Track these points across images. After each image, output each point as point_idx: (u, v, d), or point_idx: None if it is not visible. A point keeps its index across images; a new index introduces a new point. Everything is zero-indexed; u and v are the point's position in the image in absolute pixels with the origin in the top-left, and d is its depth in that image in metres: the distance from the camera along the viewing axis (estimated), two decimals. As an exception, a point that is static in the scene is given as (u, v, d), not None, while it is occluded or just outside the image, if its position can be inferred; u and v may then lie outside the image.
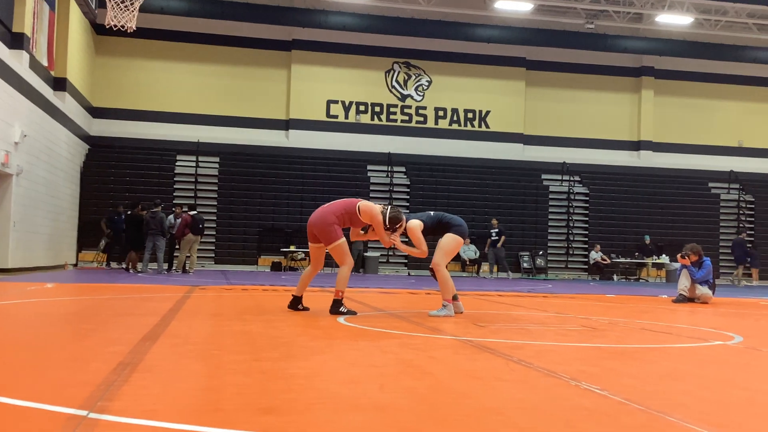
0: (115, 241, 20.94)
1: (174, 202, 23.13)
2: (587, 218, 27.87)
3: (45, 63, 19.01)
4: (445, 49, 27.96)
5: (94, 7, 22.82)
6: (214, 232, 24.81)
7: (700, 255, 12.13)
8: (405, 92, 28.25)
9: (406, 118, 28.21)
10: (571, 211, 27.76)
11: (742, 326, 8.09)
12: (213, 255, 24.65)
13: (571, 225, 27.62)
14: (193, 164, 25.79)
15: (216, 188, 25.68)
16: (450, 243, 8.16)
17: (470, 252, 25.23)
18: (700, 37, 28.04)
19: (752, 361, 5.35)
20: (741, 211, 28.89)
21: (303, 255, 23.95)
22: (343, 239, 7.73)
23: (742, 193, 29.17)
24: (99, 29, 24.46)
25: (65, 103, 21.09)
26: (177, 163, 25.83)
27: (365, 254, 23.93)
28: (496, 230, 24.14)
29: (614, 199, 28.12)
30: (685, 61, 29.23)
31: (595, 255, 25.94)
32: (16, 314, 7.44)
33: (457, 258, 24.29)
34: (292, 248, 23.99)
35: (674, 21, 27.06)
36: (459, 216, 8.51)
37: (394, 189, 26.75)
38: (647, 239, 26.18)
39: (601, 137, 29.45)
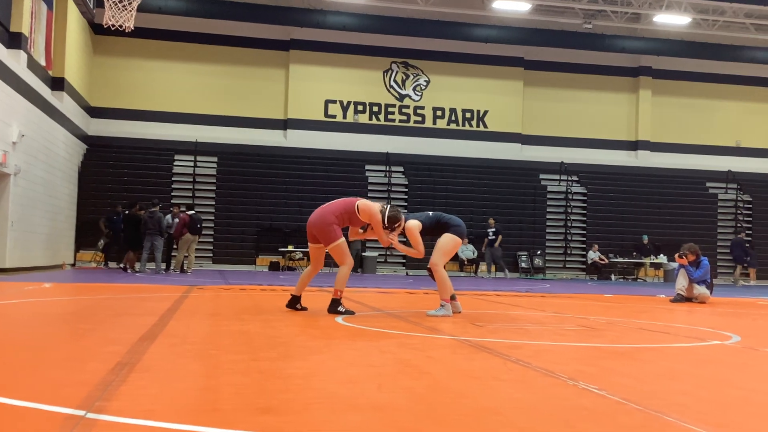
0: (114, 241, 20.92)
1: (172, 201, 23.11)
2: (585, 218, 27.88)
3: (43, 63, 18.99)
4: (443, 49, 27.97)
5: (92, 6, 22.79)
6: (212, 232, 24.80)
7: (697, 255, 12.14)
8: (403, 92, 28.25)
9: (404, 117, 28.22)
10: (569, 210, 27.78)
11: (740, 326, 8.10)
12: (211, 255, 24.64)
13: (569, 225, 27.65)
14: (191, 164, 25.78)
15: (214, 188, 25.67)
16: (448, 243, 8.16)
17: (468, 252, 25.24)
18: (698, 37, 28.07)
19: (750, 360, 5.36)
20: (738, 211, 28.93)
21: (301, 255, 23.95)
22: (343, 239, 7.73)
23: (739, 193, 29.21)
24: (97, 29, 24.43)
25: (63, 102, 21.07)
26: (175, 163, 25.82)
27: (363, 254, 23.92)
28: (493, 229, 24.16)
29: (612, 198, 28.14)
30: (683, 61, 29.26)
31: (593, 255, 25.96)
32: (14, 314, 7.43)
33: (455, 258, 24.30)
34: (290, 248, 23.99)
35: (672, 21, 27.09)
36: (457, 216, 8.51)
37: (392, 189, 26.75)
38: (645, 239, 26.20)
39: (599, 137, 29.46)
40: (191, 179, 25.57)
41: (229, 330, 6.05)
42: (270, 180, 25.83)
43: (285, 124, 27.33)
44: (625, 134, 29.82)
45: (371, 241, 24.36)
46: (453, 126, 28.48)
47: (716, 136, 30.08)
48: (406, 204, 25.93)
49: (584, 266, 26.82)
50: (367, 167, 27.24)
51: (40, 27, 18.61)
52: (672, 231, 26.93)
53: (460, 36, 27.23)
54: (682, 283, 12.08)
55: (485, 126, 28.67)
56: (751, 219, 28.76)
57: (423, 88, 28.37)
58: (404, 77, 28.27)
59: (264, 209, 25.51)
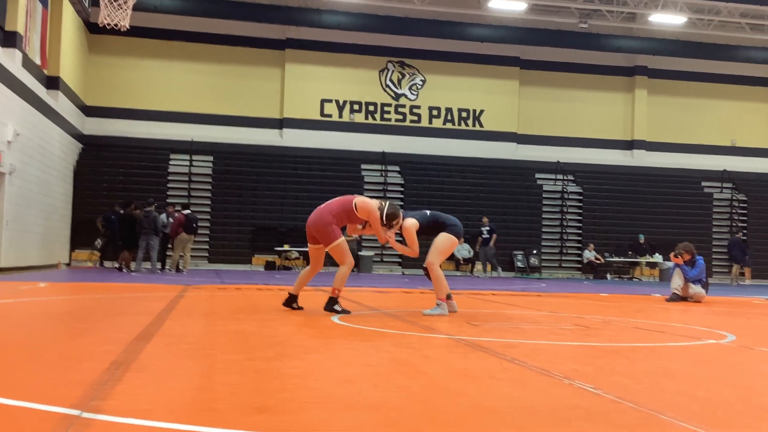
0: (111, 240, 20.88)
1: (167, 201, 23.07)
2: (581, 217, 27.92)
3: (38, 61, 18.96)
4: (439, 48, 27.97)
5: (87, 5, 22.74)
6: (208, 231, 24.77)
7: (693, 254, 12.15)
8: (399, 91, 28.25)
9: (400, 117, 28.22)
10: (565, 210, 27.82)
11: (735, 325, 8.12)
12: (207, 254, 24.61)
13: (565, 224, 27.68)
14: (187, 163, 25.75)
15: (210, 187, 25.64)
16: (445, 242, 8.15)
17: (464, 251, 25.26)
18: (693, 36, 28.12)
19: (745, 359, 5.37)
20: (734, 211, 29.00)
21: (297, 254, 23.94)
22: (343, 239, 7.72)
23: (734, 193, 29.28)
24: (92, 28, 24.35)
25: (58, 101, 21.02)
26: (170, 162, 25.78)
27: (359, 253, 23.92)
28: (488, 228, 24.14)
29: (608, 198, 28.19)
30: (679, 61, 29.31)
31: (589, 254, 25.99)
32: (9, 314, 7.42)
33: (451, 257, 24.31)
34: (286, 247, 23.97)
35: (667, 20, 27.14)
36: (453, 215, 8.51)
37: (388, 188, 26.75)
38: (642, 238, 26.24)
39: (594, 136, 29.50)
40: (187, 178, 25.54)
41: (224, 329, 6.05)
42: (266, 179, 25.81)
43: (281, 124, 27.32)
44: (621, 134, 29.86)
45: (367, 241, 24.48)
46: (449, 125, 28.50)
47: (712, 135, 30.14)
48: (402, 204, 25.91)
49: (580, 265, 26.85)
50: (363, 166, 27.23)
51: (36, 26, 18.57)
52: (667, 230, 26.98)
53: (456, 35, 27.23)
54: (677, 282, 12.09)
55: (481, 125, 28.68)
56: (746, 218, 28.83)
57: (419, 87, 28.38)
58: (400, 76, 28.27)
59: (260, 209, 25.49)
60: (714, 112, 30.24)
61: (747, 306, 11.95)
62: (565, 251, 27.43)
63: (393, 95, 28.19)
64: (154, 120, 26.28)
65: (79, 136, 24.39)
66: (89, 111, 25.63)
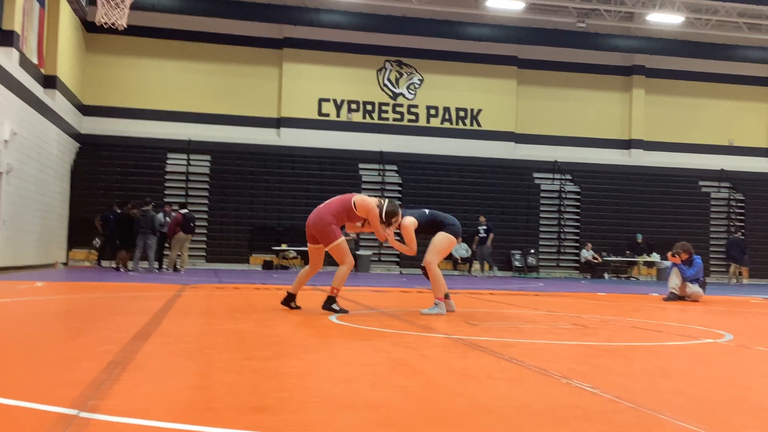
0: (109, 239, 20.85)
1: (165, 200, 23.06)
2: (578, 216, 27.94)
3: (35, 60, 18.92)
4: (436, 47, 27.97)
5: (84, 4, 22.70)
6: (206, 231, 24.75)
7: (690, 253, 12.16)
8: (397, 91, 28.25)
9: (398, 116, 28.22)
10: (563, 209, 27.84)
11: (733, 324, 8.13)
12: (204, 253, 24.60)
13: (563, 223, 27.70)
14: (184, 162, 25.73)
15: (207, 186, 25.63)
16: (443, 242, 8.15)
17: (462, 250, 25.26)
18: (691, 36, 28.15)
19: (742, 359, 5.38)
20: (731, 210, 29.03)
21: (294, 253, 23.93)
22: (343, 239, 7.71)
23: (732, 192, 29.32)
24: (89, 27, 24.33)
25: (55, 100, 21.00)
26: (168, 161, 25.76)
27: (357, 253, 23.91)
28: (485, 227, 24.15)
29: (605, 197, 28.22)
30: (676, 60, 29.34)
31: (587, 253, 26.01)
32: (6, 313, 7.40)
33: (449, 256, 24.27)
34: (284, 247, 23.96)
35: (665, 20, 27.16)
36: (451, 215, 8.51)
37: (386, 188, 26.75)
38: (639, 237, 26.26)
39: (592, 136, 29.52)
40: (184, 178, 25.52)
41: (222, 329, 6.04)
42: (263, 179, 25.81)
43: (278, 123, 27.30)
44: (619, 133, 29.89)
45: (365, 240, 24.48)
46: (447, 125, 28.50)
47: (709, 134, 30.18)
48: (399, 203, 25.86)
49: (578, 265, 26.87)
50: (361, 166, 27.23)
51: (33, 25, 18.54)
52: (665, 230, 27.02)
53: (454, 34, 27.23)
54: (675, 281, 12.10)
55: (479, 125, 28.69)
56: (743, 218, 28.87)
57: (417, 86, 28.38)
58: (398, 76, 28.27)
59: (257, 208, 25.49)
60: (711, 111, 30.28)
61: (744, 305, 11.96)
62: (562, 250, 27.45)
63: (391, 94, 28.18)
64: (151, 119, 26.25)
65: (76, 136, 24.36)
66: (86, 110, 25.60)
